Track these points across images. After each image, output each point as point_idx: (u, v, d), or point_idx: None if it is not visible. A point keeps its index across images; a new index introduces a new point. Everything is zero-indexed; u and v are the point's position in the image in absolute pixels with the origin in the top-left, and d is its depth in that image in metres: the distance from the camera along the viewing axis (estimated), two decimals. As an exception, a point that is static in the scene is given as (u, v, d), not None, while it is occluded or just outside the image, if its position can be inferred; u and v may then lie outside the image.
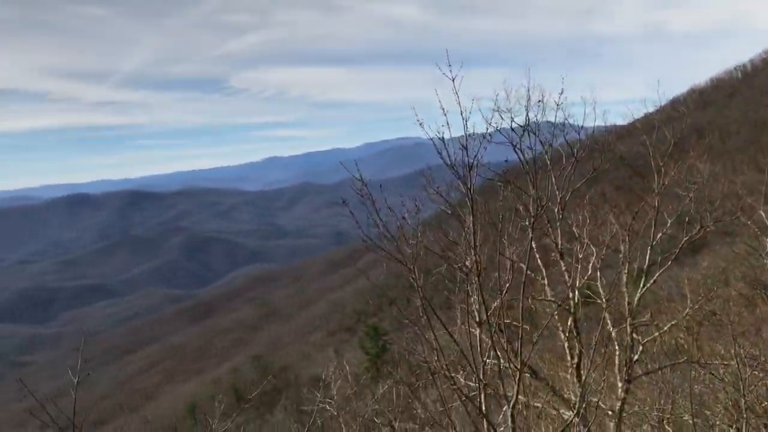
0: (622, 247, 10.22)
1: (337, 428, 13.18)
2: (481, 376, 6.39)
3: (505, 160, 7.95)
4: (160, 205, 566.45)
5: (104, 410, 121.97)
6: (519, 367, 6.47)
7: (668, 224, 10.44)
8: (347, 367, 15.82)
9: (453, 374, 7.09)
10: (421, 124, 6.32)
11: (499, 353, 6.65)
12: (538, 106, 7.74)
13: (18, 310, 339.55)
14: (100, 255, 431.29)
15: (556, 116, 8.39)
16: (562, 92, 7.93)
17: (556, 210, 9.00)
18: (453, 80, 6.23)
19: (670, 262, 10.48)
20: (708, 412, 10.77)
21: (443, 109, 6.20)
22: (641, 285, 10.21)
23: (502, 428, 6.79)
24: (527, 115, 8.43)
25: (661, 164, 10.15)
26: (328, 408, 12.89)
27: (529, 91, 8.38)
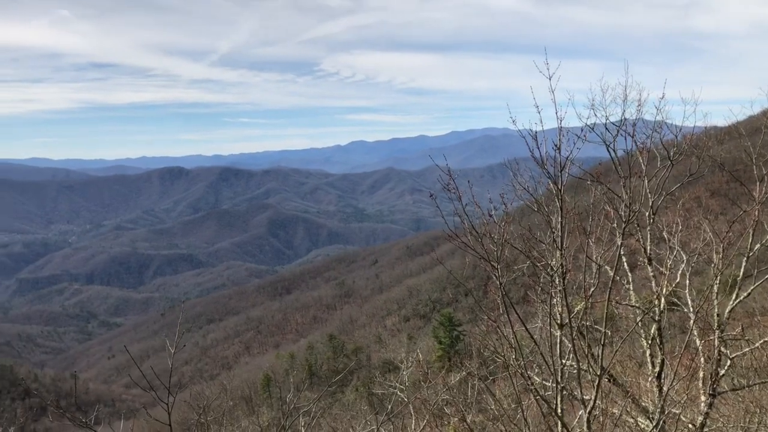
0: (714, 257, 9.79)
1: (406, 414, 13.35)
2: (559, 378, 6.31)
3: (599, 163, 7.75)
4: (248, 182, 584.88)
5: (185, 374, 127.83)
6: (599, 372, 6.35)
7: (768, 236, 9.91)
8: (420, 355, 15.97)
9: (528, 373, 7.03)
10: (514, 121, 6.25)
11: (578, 357, 6.55)
12: (637, 109, 7.48)
13: (112, 273, 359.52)
14: (190, 226, 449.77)
15: (656, 117, 8.09)
16: (663, 96, 7.63)
17: (647, 214, 8.72)
18: (549, 78, 6.13)
19: None
20: (798, 436, 10.22)
21: (537, 106, 6.11)
22: (733, 297, 9.75)
23: (576, 432, 6.70)
24: (623, 113, 8.20)
25: (765, 172, 9.63)
26: (399, 393, 13.08)
27: (626, 89, 8.14)
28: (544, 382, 7.69)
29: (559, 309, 6.61)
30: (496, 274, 6.18)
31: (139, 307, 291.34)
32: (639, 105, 7.87)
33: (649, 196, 8.67)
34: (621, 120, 8.27)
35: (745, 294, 9.83)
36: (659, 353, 8.81)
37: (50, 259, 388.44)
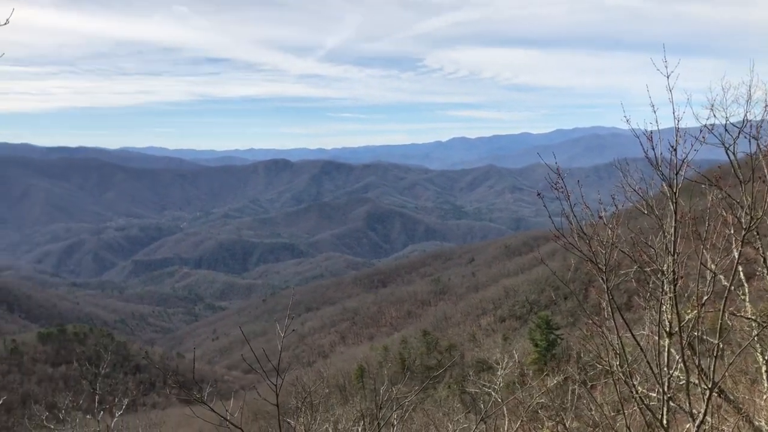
0: None
1: (499, 414, 13.20)
2: (665, 389, 6.07)
3: (718, 167, 7.34)
4: (349, 175, 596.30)
5: (283, 360, 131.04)
6: (710, 386, 6.05)
7: None
8: (516, 356, 15.74)
9: (632, 381, 6.80)
10: (627, 120, 6.03)
11: (687, 368, 6.26)
12: (763, 110, 7.01)
13: (219, 259, 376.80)
14: (293, 217, 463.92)
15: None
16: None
17: (769, 221, 8.19)
18: (668, 77, 5.87)
19: None
20: None
21: (653, 105, 5.88)
22: None
23: (682, 446, 6.42)
24: (746, 114, 7.72)
25: None
26: (493, 394, 12.96)
27: (750, 88, 7.67)
28: (648, 392, 7.41)
29: (668, 317, 6.33)
30: (603, 278, 6.01)
31: (242, 293, 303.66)
32: (765, 105, 7.37)
33: (772, 202, 8.14)
34: (743, 121, 7.80)
35: None
36: (777, 370, 8.28)
37: (163, 243, 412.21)
